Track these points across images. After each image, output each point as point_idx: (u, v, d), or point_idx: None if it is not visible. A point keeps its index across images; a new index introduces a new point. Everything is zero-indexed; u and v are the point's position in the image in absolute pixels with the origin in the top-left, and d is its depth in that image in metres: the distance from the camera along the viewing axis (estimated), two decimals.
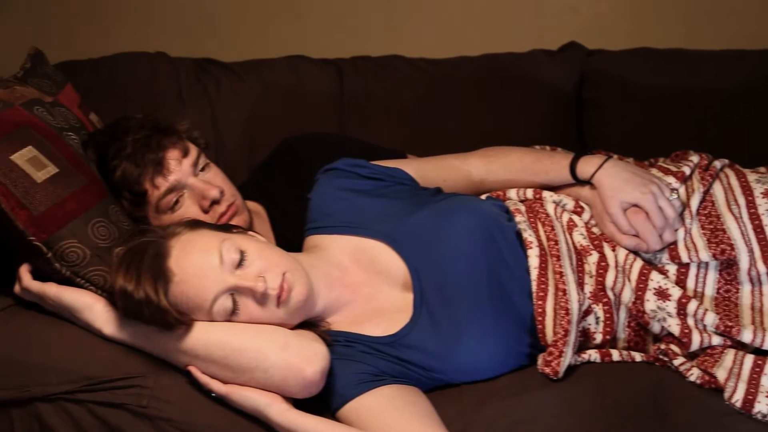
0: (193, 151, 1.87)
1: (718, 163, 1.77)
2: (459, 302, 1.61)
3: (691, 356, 1.61)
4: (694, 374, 1.55)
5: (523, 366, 1.63)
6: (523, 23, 2.91)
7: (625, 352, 1.63)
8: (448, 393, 1.60)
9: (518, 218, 1.73)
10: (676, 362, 1.58)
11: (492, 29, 2.91)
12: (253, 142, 2.40)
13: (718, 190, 1.72)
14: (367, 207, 1.74)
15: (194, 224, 1.61)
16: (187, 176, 1.84)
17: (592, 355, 1.62)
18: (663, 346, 1.61)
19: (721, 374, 1.52)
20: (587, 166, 1.76)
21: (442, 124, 2.43)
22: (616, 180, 1.72)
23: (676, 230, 1.68)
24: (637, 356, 1.63)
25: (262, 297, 1.52)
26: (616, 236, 1.69)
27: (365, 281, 1.68)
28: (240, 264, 1.53)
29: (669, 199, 1.69)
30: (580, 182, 1.78)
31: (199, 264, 1.51)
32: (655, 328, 1.64)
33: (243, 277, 1.52)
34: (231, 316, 1.53)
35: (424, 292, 1.64)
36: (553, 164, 1.81)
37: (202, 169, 1.87)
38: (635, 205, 1.69)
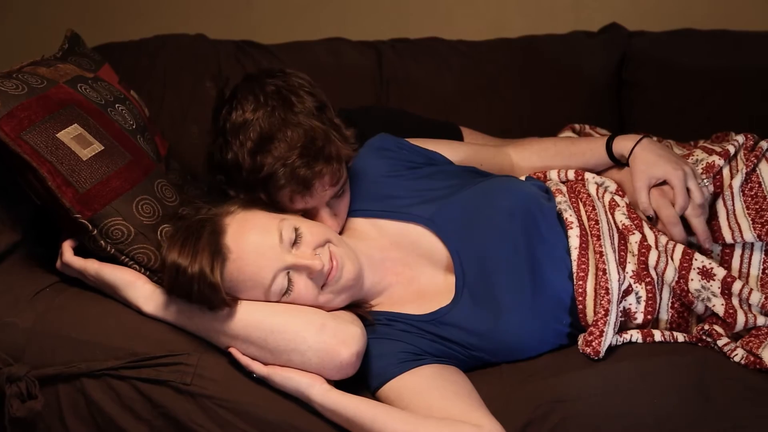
0: (343, 178, 1.71)
1: (765, 143, 1.73)
2: (499, 282, 1.61)
3: (735, 337, 1.60)
4: (739, 355, 1.54)
5: (564, 346, 1.63)
6: (560, 4, 2.88)
7: (667, 333, 1.62)
8: (489, 372, 1.61)
9: (559, 198, 1.73)
10: (720, 343, 1.57)
11: (529, 11, 2.89)
12: None
13: (765, 170, 1.69)
14: (406, 189, 1.74)
15: (248, 202, 1.62)
16: (323, 202, 1.70)
17: (634, 335, 1.61)
18: (707, 327, 1.60)
19: (766, 355, 1.50)
20: (624, 142, 1.75)
21: (482, 106, 2.41)
22: (650, 155, 1.70)
23: (703, 220, 1.64)
24: (680, 337, 1.62)
25: (317, 275, 1.54)
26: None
27: (407, 264, 1.69)
28: (295, 243, 1.55)
29: (700, 184, 1.66)
30: (617, 163, 1.77)
31: (258, 242, 1.53)
32: (699, 308, 1.62)
33: (300, 255, 1.54)
34: (285, 294, 1.55)
35: (465, 274, 1.64)
36: (589, 144, 1.80)
37: (339, 195, 1.73)
38: (664, 184, 1.67)
